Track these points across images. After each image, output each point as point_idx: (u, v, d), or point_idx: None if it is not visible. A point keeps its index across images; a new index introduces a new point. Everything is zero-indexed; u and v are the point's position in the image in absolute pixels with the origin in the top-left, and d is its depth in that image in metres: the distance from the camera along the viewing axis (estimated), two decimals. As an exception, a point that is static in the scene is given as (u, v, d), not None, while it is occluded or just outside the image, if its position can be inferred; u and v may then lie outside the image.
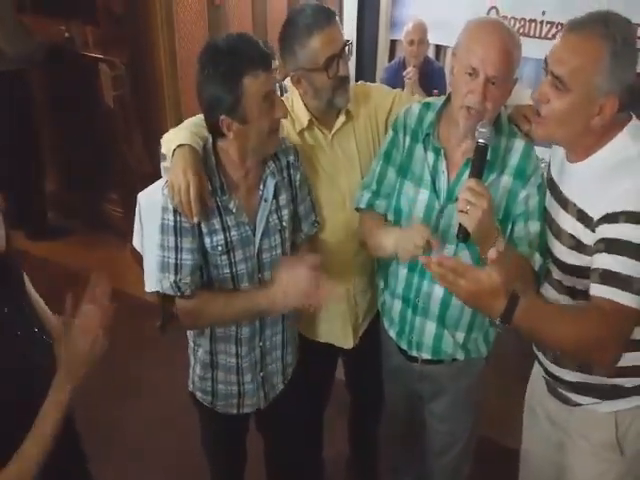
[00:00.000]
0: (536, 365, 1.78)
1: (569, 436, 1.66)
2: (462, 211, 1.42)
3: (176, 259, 1.59)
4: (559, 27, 3.93)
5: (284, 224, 1.70)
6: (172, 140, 1.64)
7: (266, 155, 1.63)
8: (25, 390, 1.29)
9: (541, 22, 3.92)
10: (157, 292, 3.12)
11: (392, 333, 1.86)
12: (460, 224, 1.46)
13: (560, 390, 1.63)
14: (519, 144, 1.60)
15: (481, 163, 1.48)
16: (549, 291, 1.58)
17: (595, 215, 1.39)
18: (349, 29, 4.47)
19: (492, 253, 1.29)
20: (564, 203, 1.50)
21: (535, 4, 3.84)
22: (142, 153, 3.76)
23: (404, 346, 1.83)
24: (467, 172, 1.56)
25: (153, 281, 2.87)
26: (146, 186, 3.05)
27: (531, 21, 3.91)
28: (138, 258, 3.03)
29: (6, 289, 1.34)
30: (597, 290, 1.34)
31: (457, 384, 1.87)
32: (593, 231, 1.40)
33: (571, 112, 1.38)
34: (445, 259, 1.31)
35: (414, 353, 1.82)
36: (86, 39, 3.95)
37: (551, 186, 1.58)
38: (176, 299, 1.67)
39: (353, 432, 2.53)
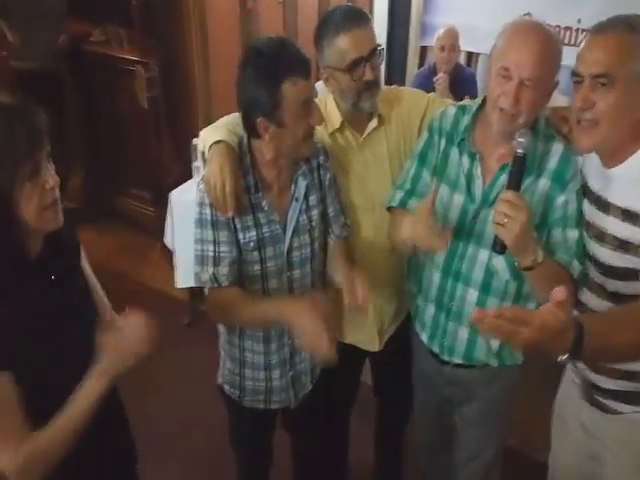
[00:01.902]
0: (568, 372, 1.74)
1: (607, 447, 1.61)
2: (499, 224, 1.38)
3: (214, 252, 1.61)
4: (595, 34, 3.90)
5: (313, 224, 1.72)
6: (209, 137, 1.67)
7: (299, 158, 1.65)
8: (56, 358, 1.31)
9: (576, 30, 3.89)
10: (187, 289, 3.18)
11: (424, 337, 1.84)
12: (496, 236, 1.43)
13: (598, 398, 1.59)
14: (558, 147, 1.56)
15: (519, 174, 1.43)
16: (589, 297, 1.55)
17: None
18: (379, 35, 4.47)
19: (559, 294, 1.11)
20: (604, 207, 1.48)
21: (570, 12, 3.82)
22: (173, 153, 3.82)
23: (436, 350, 1.82)
24: (502, 177, 1.55)
25: (183, 278, 2.92)
26: (177, 186, 3.10)
27: (566, 29, 3.88)
28: (168, 256, 3.07)
29: (58, 258, 1.36)
30: None
31: (489, 389, 1.84)
32: None
33: (620, 105, 1.37)
34: (505, 310, 1.12)
35: (445, 357, 1.80)
36: (122, 42, 4.05)
37: (585, 192, 1.55)
38: (209, 290, 1.68)
39: (379, 437, 2.51)
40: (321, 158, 1.73)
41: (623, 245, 1.42)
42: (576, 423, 1.70)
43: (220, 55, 3.69)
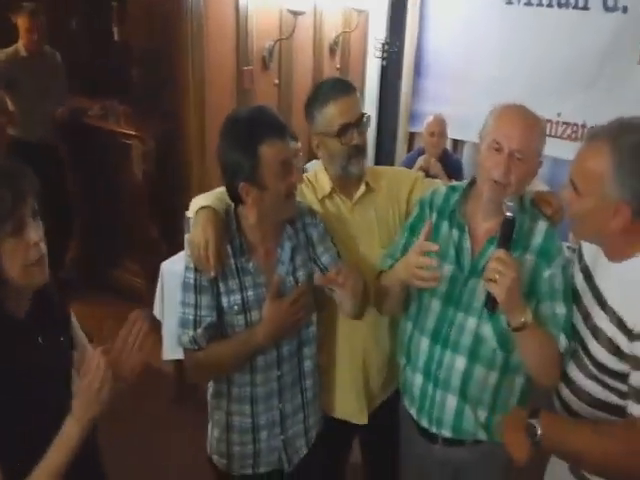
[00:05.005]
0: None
1: None
2: (491, 280, 1.44)
3: (195, 315, 1.65)
4: (575, 128, 4.18)
5: (299, 285, 1.73)
6: (197, 203, 1.75)
7: (284, 218, 1.70)
8: (38, 420, 1.30)
9: (557, 122, 4.19)
10: (173, 362, 3.14)
11: (413, 411, 1.83)
12: (488, 293, 1.49)
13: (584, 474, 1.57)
14: (542, 226, 1.65)
15: (509, 235, 1.50)
16: (578, 375, 1.53)
17: (634, 327, 1.36)
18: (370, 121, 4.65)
19: None
20: (601, 301, 1.48)
21: (551, 105, 4.06)
22: (166, 226, 3.86)
23: (424, 424, 1.79)
24: (490, 249, 1.61)
25: (170, 350, 2.89)
26: (167, 257, 3.13)
27: (547, 121, 4.11)
28: (157, 327, 3.05)
29: (46, 319, 1.39)
30: (635, 409, 1.33)
31: (482, 472, 1.80)
32: (631, 342, 1.36)
33: (587, 214, 1.43)
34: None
35: (434, 430, 1.78)
36: (119, 117, 4.18)
37: (586, 274, 1.57)
38: (186, 352, 1.71)
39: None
40: (307, 218, 1.78)
41: (616, 350, 1.41)
42: None
43: (216, 132, 3.70)
